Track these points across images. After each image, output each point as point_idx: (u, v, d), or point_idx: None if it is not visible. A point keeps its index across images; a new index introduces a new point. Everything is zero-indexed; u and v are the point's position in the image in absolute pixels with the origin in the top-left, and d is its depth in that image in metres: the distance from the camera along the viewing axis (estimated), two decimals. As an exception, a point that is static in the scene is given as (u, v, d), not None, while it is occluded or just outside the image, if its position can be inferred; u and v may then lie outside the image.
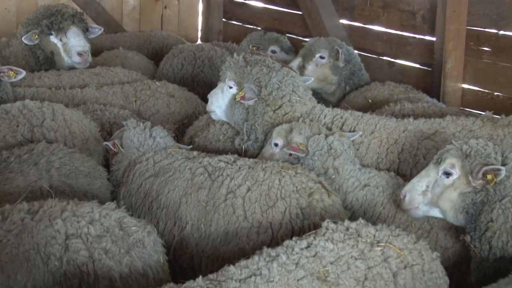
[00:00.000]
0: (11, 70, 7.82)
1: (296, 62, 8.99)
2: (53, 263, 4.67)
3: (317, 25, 10.93)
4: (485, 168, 5.47)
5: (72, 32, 9.21)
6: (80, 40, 9.28)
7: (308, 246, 4.54)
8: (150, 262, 4.93)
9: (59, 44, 9.27)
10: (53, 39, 9.23)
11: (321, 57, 9.12)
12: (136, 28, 12.88)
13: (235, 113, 7.25)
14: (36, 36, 9.06)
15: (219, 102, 7.35)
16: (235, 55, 7.48)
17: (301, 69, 8.86)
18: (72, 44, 9.21)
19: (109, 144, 6.90)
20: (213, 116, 7.53)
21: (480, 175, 5.49)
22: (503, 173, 5.43)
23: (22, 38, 9.07)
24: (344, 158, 6.42)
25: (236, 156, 6.37)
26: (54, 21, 9.13)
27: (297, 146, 6.46)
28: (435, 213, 5.79)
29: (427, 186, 5.76)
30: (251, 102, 7.10)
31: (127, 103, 8.44)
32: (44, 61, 9.25)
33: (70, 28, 9.19)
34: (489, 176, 5.46)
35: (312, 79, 8.17)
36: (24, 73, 7.93)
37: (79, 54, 9.21)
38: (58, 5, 9.43)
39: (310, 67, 9.09)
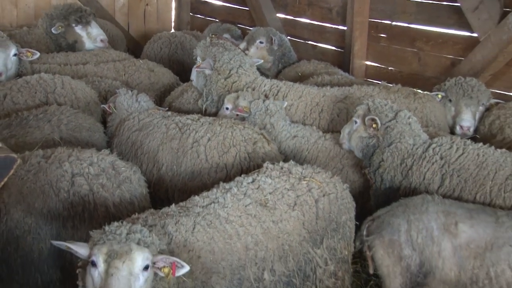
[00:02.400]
0: (28, 51, 7.68)
1: (242, 46, 8.93)
2: (62, 194, 4.64)
3: (260, 18, 10.85)
4: (367, 116, 5.58)
5: (93, 25, 9.18)
6: (99, 30, 9.28)
7: (253, 181, 4.55)
8: (135, 194, 4.91)
9: (83, 34, 9.10)
10: (78, 30, 9.07)
11: (260, 42, 9.06)
12: (126, 21, 12.68)
13: (199, 80, 7.23)
14: (60, 28, 8.92)
15: (194, 73, 7.30)
16: (207, 38, 7.42)
17: (245, 51, 8.79)
18: (96, 34, 9.14)
19: (106, 106, 6.83)
20: (193, 83, 7.47)
21: (365, 121, 5.59)
22: (378, 121, 5.53)
23: (52, 29, 8.95)
24: (277, 116, 6.42)
25: (200, 115, 6.31)
26: (82, 16, 9.06)
27: (242, 109, 6.47)
28: (353, 148, 5.85)
29: (349, 130, 5.80)
30: (206, 71, 7.07)
31: (118, 76, 8.30)
32: (66, 47, 9.08)
33: (92, 22, 9.16)
34: (374, 125, 5.54)
35: (262, 61, 8.21)
36: (38, 54, 7.77)
37: (102, 40, 9.15)
38: (76, 4, 9.53)
39: (252, 50, 9.04)
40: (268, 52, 9.11)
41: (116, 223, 3.67)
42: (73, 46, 9.13)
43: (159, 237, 3.77)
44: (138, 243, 3.53)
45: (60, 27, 8.94)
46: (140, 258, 3.46)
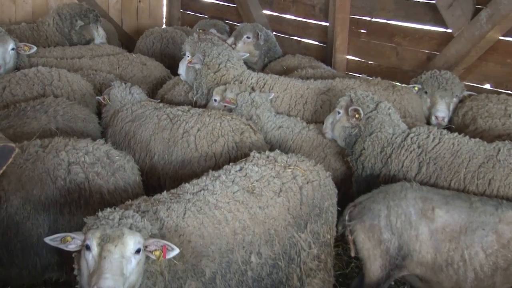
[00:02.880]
0: (26, 45, 7.57)
1: (229, 41, 8.88)
2: (59, 182, 4.60)
3: (247, 14, 10.80)
4: (350, 107, 5.54)
5: (100, 24, 9.55)
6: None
7: (240, 169, 4.50)
8: (129, 181, 4.87)
9: (94, 31, 9.36)
10: (93, 28, 9.32)
11: (247, 37, 9.00)
12: (119, 17, 12.59)
13: (189, 75, 7.12)
14: (80, 26, 9.21)
15: (183, 67, 7.18)
16: (194, 34, 7.34)
17: (233, 45, 8.72)
18: (103, 31, 9.57)
19: (100, 98, 6.73)
20: (181, 77, 7.34)
21: (348, 112, 5.56)
22: (361, 112, 5.51)
23: (77, 26, 9.24)
24: (263, 108, 6.37)
25: (190, 106, 6.26)
26: (97, 15, 9.46)
27: (230, 100, 6.41)
28: (336, 137, 5.80)
29: (332, 120, 5.77)
30: (197, 66, 6.97)
31: (112, 69, 8.19)
32: (84, 43, 9.21)
33: (101, 21, 9.57)
34: (356, 115, 5.52)
35: (248, 54, 8.18)
36: (35, 48, 7.66)
37: (106, 37, 9.57)
38: (85, 5, 9.73)
39: (239, 44, 8.97)
40: (254, 47, 9.05)
41: (109, 209, 3.65)
42: (89, 43, 9.27)
43: (151, 222, 3.75)
44: (130, 228, 3.51)
45: (80, 25, 9.14)
46: (132, 241, 3.45)
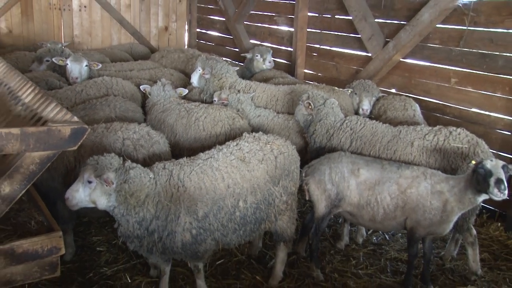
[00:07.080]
0: (95, 63, 7.32)
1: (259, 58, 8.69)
2: (117, 151, 4.47)
3: (239, 43, 10.61)
4: (306, 101, 5.43)
5: None
6: None
7: (237, 145, 4.36)
8: (162, 151, 4.75)
9: None
10: None
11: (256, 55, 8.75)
12: (157, 44, 12.40)
13: (200, 82, 6.89)
14: None
15: (195, 77, 6.92)
16: (202, 55, 7.19)
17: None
18: None
19: (142, 89, 6.44)
20: (193, 84, 7.08)
21: (305, 104, 5.44)
22: (312, 104, 5.40)
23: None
24: (245, 103, 6.18)
25: (199, 102, 6.11)
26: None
27: (224, 99, 6.24)
28: (299, 120, 5.65)
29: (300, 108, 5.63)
30: (207, 76, 6.79)
31: (151, 78, 7.88)
32: None
33: None
34: (310, 107, 5.42)
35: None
36: (100, 65, 7.42)
37: None
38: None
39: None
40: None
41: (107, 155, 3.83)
42: None
43: (164, 175, 3.84)
44: (94, 167, 3.68)
45: None
46: (86, 175, 3.66)
